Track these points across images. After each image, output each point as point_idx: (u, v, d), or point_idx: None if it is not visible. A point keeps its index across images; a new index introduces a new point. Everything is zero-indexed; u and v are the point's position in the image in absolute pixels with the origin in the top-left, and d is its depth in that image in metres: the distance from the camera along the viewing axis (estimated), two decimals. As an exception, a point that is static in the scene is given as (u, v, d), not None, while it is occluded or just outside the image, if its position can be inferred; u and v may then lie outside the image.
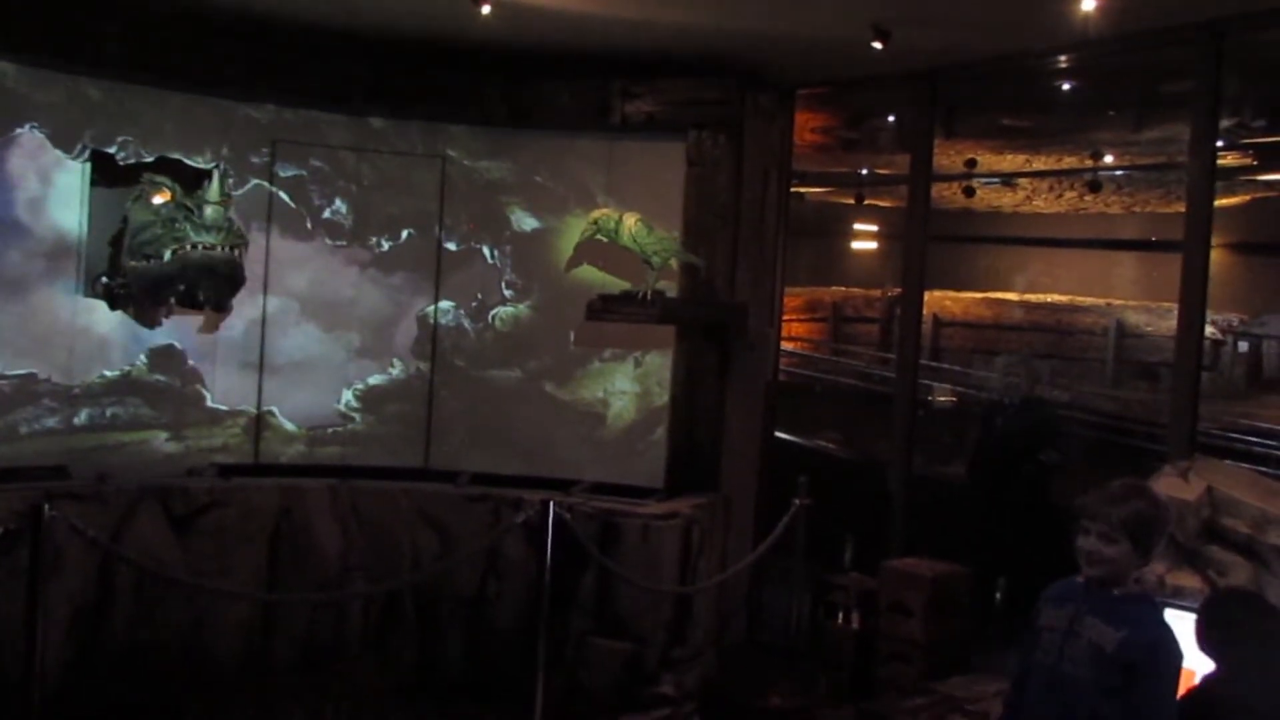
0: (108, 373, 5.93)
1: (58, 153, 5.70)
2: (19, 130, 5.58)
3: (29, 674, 4.95)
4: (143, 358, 6.01)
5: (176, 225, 5.60)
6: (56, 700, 5.21)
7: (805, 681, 6.27)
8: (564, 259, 6.49)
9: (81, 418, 5.85)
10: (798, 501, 6.17)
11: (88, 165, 5.80)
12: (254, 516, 5.97)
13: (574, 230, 6.38)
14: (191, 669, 5.74)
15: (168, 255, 5.57)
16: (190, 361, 6.14)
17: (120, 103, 5.85)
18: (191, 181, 5.85)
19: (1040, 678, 3.36)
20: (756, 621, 6.90)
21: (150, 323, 5.95)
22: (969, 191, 12.60)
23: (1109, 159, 11.64)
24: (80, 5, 5.60)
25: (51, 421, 5.75)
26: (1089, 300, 14.85)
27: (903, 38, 5.50)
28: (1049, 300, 15.18)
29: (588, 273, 6.45)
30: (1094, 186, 12.32)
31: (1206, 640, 3.49)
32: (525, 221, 6.63)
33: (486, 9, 5.28)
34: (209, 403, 6.22)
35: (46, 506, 5.04)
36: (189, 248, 5.57)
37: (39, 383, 5.70)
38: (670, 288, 6.28)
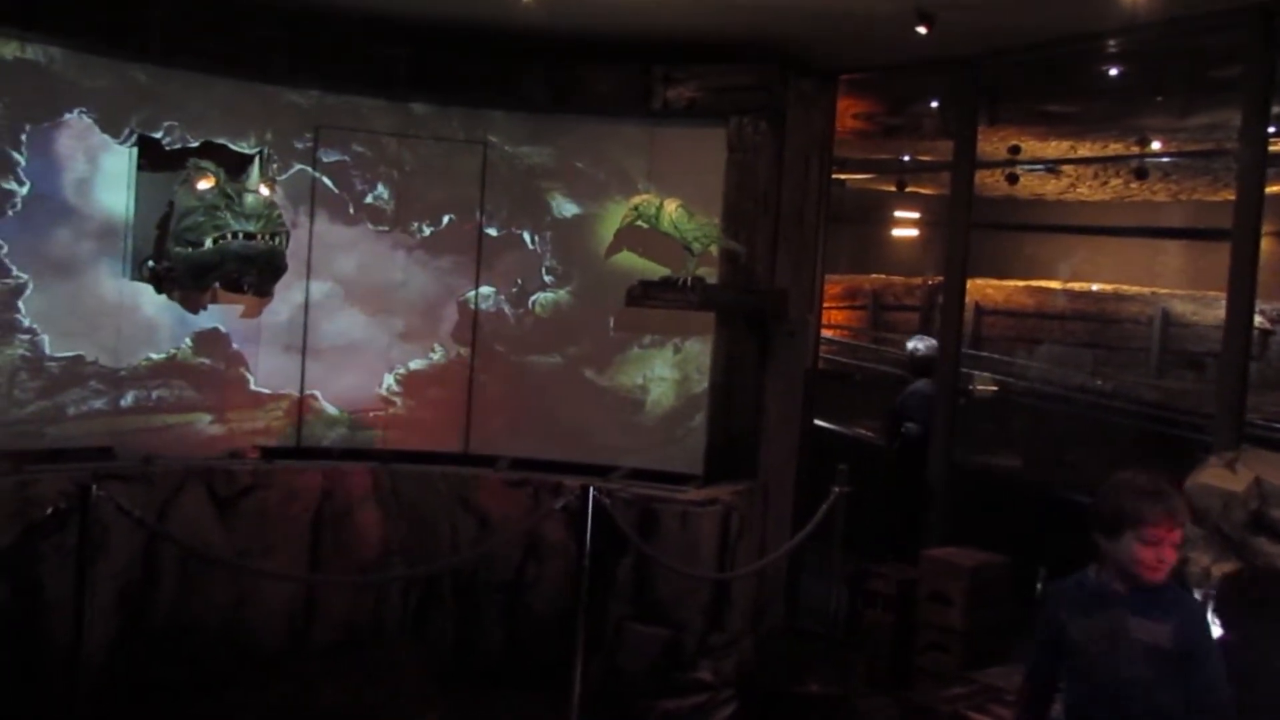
0: (154, 355, 6.00)
1: (105, 137, 5.76)
2: (68, 115, 5.65)
3: (76, 650, 4.99)
4: (188, 341, 6.08)
5: (218, 213, 5.63)
6: (102, 677, 5.29)
7: (843, 669, 6.26)
8: (604, 245, 6.49)
9: (128, 399, 5.92)
10: (837, 489, 6.14)
11: (134, 150, 5.86)
12: (296, 499, 6.02)
13: (614, 216, 6.38)
14: (233, 648, 5.81)
15: (208, 243, 5.62)
16: (234, 345, 6.21)
17: (166, 88, 5.90)
18: (236, 167, 5.90)
19: (1094, 693, 3.27)
20: (794, 609, 6.91)
21: (194, 307, 6.02)
22: (1012, 178, 12.47)
23: (1156, 145, 11.47)
24: (127, -10, 5.66)
25: (99, 403, 5.83)
26: (1134, 289, 14.66)
27: (947, 22, 5.44)
28: (1093, 289, 15.00)
29: (628, 259, 6.45)
30: (1140, 173, 12.15)
31: (1227, 610, 3.49)
32: (565, 207, 6.63)
33: (530, -7, 5.28)
34: (252, 386, 6.28)
35: (94, 487, 5.07)
36: (229, 236, 5.61)
37: (86, 364, 5.78)
38: (710, 274, 6.26)
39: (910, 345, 8.56)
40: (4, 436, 5.49)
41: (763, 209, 6.38)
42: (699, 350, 6.48)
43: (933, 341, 7.96)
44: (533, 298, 6.66)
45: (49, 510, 5.15)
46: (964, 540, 6.44)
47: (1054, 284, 15.46)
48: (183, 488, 5.71)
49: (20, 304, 5.55)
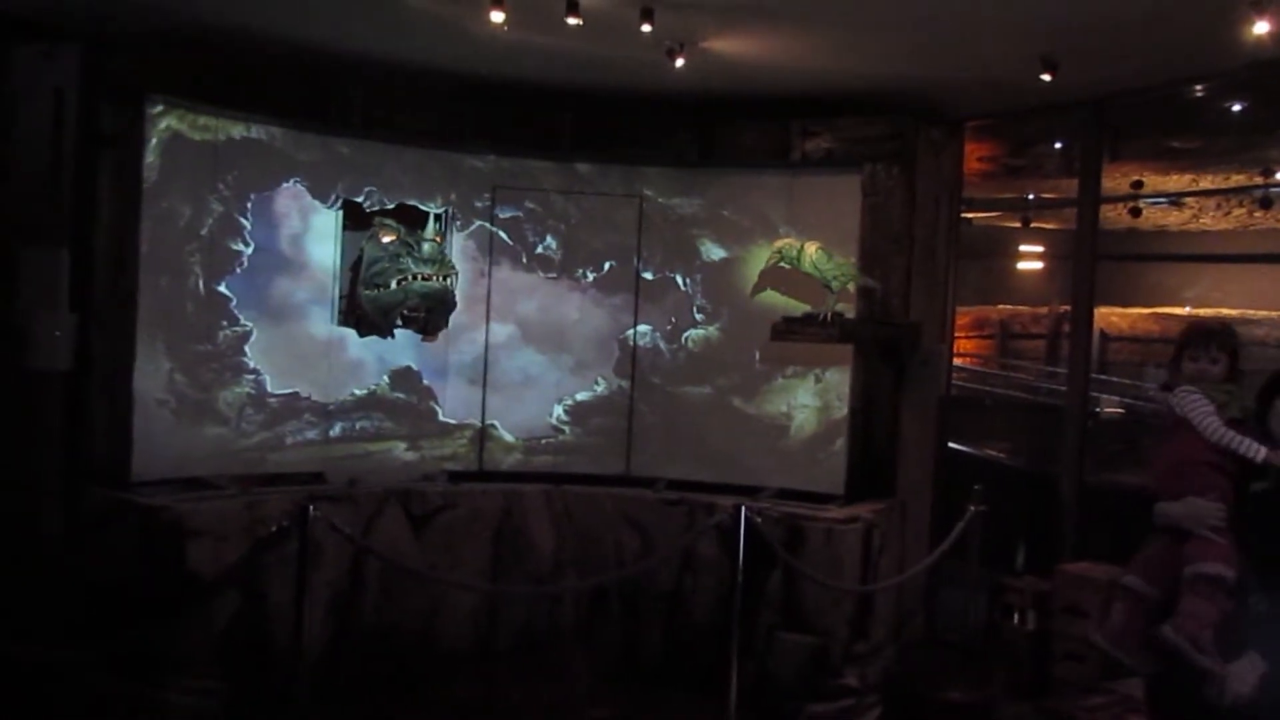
0: (357, 391, 6.78)
1: (315, 202, 6.59)
2: (285, 184, 6.49)
3: (296, 650, 5.59)
4: (385, 377, 6.86)
5: (400, 260, 6.53)
6: (318, 670, 5.90)
7: (983, 678, 6.49)
8: (749, 285, 7.02)
9: (335, 430, 6.70)
10: (973, 508, 6.37)
11: (340, 212, 6.68)
12: (480, 517, 6.69)
13: (758, 259, 6.92)
14: (427, 650, 6.46)
15: (393, 285, 6.49)
16: (425, 380, 6.96)
17: (366, 158, 6.70)
18: (418, 223, 6.72)
19: None
20: (934, 620, 7.16)
21: (385, 334, 6.73)
22: (1135, 212, 12.55)
23: (1280, 176, 11.47)
24: (332, 75, 6.49)
25: (311, 434, 6.62)
26: (1261, 314, 14.53)
27: (1070, 69, 5.73)
28: (1219, 314, 14.88)
29: (771, 297, 6.96)
30: (1265, 203, 12.12)
31: None
32: (714, 252, 7.21)
33: (680, 62, 5.84)
34: (440, 417, 7.02)
35: (311, 507, 5.70)
36: (410, 278, 6.52)
37: (301, 400, 6.59)
38: (848, 309, 6.71)
39: None
40: (234, 463, 6.30)
41: (897, 247, 6.82)
42: (839, 380, 6.94)
43: None
44: (685, 334, 7.24)
45: (274, 528, 5.82)
46: (1097, 555, 6.61)
47: (1178, 310, 15.40)
48: (383, 508, 6.41)
49: (246, 348, 6.38)
